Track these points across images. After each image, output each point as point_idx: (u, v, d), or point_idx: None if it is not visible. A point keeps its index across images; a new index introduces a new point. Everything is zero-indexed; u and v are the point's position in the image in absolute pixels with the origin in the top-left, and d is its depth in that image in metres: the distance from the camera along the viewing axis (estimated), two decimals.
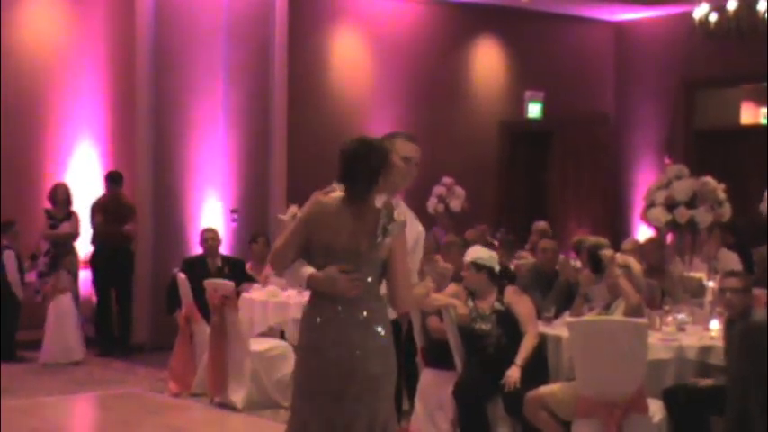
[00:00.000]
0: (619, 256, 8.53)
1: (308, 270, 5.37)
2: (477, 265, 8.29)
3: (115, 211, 13.30)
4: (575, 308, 8.54)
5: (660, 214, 11.54)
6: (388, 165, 5.41)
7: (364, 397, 5.28)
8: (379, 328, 5.34)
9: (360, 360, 5.27)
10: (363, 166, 5.32)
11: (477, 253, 8.41)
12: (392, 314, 5.83)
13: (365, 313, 5.32)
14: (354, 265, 5.29)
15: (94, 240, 13.34)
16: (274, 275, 10.11)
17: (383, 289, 5.42)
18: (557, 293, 9.55)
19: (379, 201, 5.37)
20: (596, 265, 8.39)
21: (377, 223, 5.27)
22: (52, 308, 12.60)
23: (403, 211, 5.72)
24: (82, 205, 13.31)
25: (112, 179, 13.43)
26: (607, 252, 8.41)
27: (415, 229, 5.96)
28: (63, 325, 12.51)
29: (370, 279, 5.32)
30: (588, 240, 10.49)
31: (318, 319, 5.37)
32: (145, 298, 13.63)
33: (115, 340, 13.40)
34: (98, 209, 13.31)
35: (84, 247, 13.46)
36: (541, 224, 13.99)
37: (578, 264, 10.31)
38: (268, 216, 14.20)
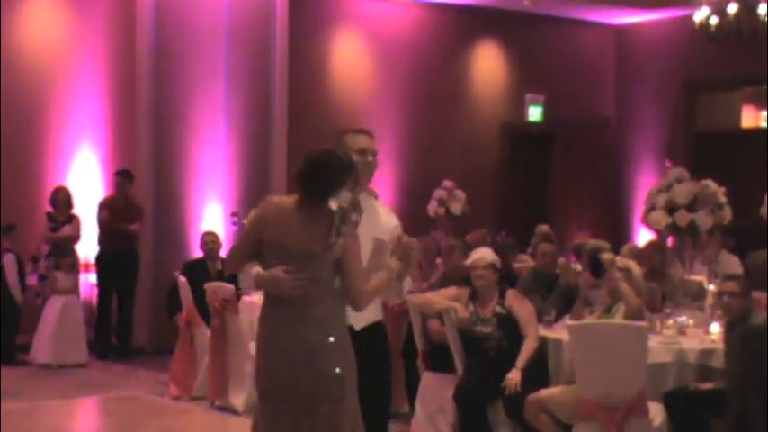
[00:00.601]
0: (619, 260, 8.53)
1: (256, 270, 5.40)
2: (496, 267, 8.32)
3: (123, 210, 13.30)
4: (575, 311, 8.54)
5: (661, 217, 11.54)
6: (350, 180, 5.40)
7: (325, 396, 5.27)
8: (335, 328, 5.32)
9: (317, 360, 5.26)
10: (326, 177, 5.32)
11: (491, 254, 8.40)
12: (378, 316, 5.86)
13: (320, 313, 5.30)
14: (308, 265, 5.28)
15: (100, 240, 13.33)
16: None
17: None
18: (557, 297, 9.55)
19: (345, 198, 5.37)
20: (596, 268, 8.39)
21: (331, 224, 5.26)
22: (46, 308, 12.62)
23: (374, 207, 5.80)
24: (82, 208, 13.31)
25: (124, 177, 13.41)
26: (607, 255, 8.41)
27: (390, 224, 5.89)
28: (62, 326, 12.52)
29: (323, 278, 5.30)
30: (588, 244, 10.51)
31: (275, 320, 5.39)
32: (145, 301, 13.63)
33: (115, 344, 13.39)
34: (105, 206, 13.31)
35: (86, 249, 13.45)
36: (544, 227, 13.98)
37: (579, 267, 10.32)
38: None
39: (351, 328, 5.62)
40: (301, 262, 5.29)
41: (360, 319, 5.70)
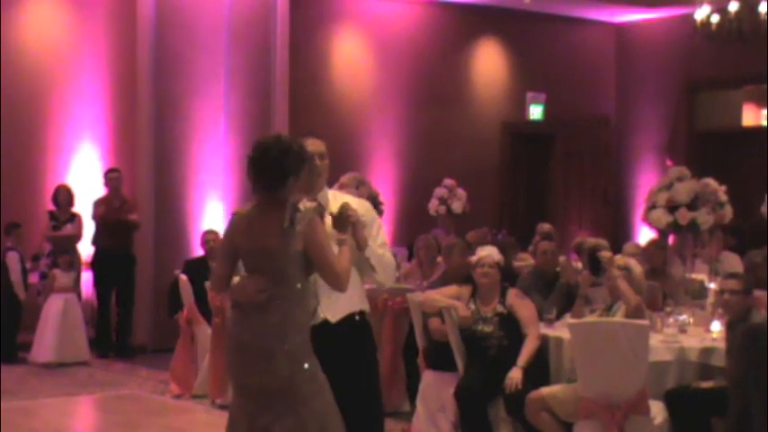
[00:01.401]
0: (619, 258, 8.53)
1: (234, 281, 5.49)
2: (500, 266, 8.32)
3: (119, 207, 13.30)
4: (575, 309, 8.53)
5: (661, 216, 11.52)
6: (301, 165, 5.38)
7: (281, 399, 5.29)
8: (292, 332, 5.30)
9: (272, 365, 5.26)
10: (274, 163, 5.31)
11: (497, 253, 8.40)
12: (358, 307, 5.80)
13: (276, 318, 5.29)
14: (271, 264, 5.29)
15: (97, 239, 13.33)
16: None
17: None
18: (557, 295, 9.54)
19: (295, 191, 5.39)
20: (595, 266, 8.39)
21: (285, 216, 5.27)
22: (46, 307, 12.63)
23: (335, 199, 5.76)
24: (83, 206, 13.32)
25: (116, 174, 13.42)
26: (606, 253, 8.40)
27: (364, 208, 5.85)
28: (63, 325, 12.52)
29: (287, 276, 5.29)
30: (588, 242, 10.50)
31: (235, 322, 5.43)
32: (146, 300, 13.63)
33: (115, 342, 13.40)
34: (101, 203, 13.32)
35: (87, 247, 13.46)
36: (546, 226, 13.96)
37: (579, 266, 10.31)
38: None
39: (326, 322, 5.64)
40: (265, 262, 5.31)
41: (336, 310, 5.69)
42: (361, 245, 5.63)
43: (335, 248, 5.45)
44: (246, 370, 5.35)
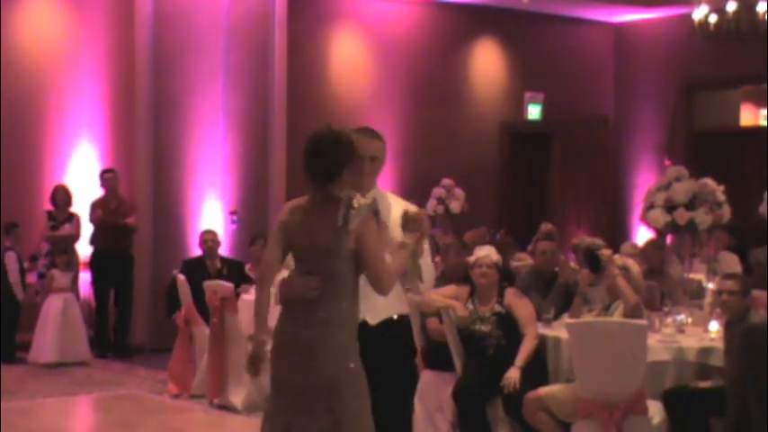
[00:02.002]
0: (617, 258, 8.53)
1: (282, 275, 5.44)
2: (498, 266, 8.32)
3: (116, 208, 13.30)
4: (574, 309, 8.54)
5: (659, 216, 11.51)
6: (353, 158, 5.35)
7: (320, 396, 5.24)
8: (340, 329, 5.26)
9: (317, 361, 5.22)
10: (327, 154, 5.28)
11: (495, 253, 8.41)
12: (403, 309, 5.78)
13: (325, 313, 5.25)
14: (323, 261, 5.25)
15: (94, 239, 13.33)
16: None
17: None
18: (556, 295, 9.54)
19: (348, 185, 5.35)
20: (594, 264, 8.39)
21: (339, 214, 5.21)
22: (44, 307, 12.63)
23: (384, 198, 5.72)
24: (81, 207, 13.32)
25: (112, 174, 13.40)
26: (605, 251, 8.41)
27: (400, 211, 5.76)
28: (62, 325, 12.52)
29: (339, 275, 5.25)
30: (585, 241, 10.51)
31: (283, 320, 5.38)
32: (144, 299, 13.63)
33: (113, 342, 13.40)
34: (98, 205, 13.31)
35: (86, 247, 13.46)
36: (548, 226, 13.94)
37: (577, 266, 10.31)
38: (267, 218, 14.21)
39: (365, 324, 5.59)
40: (317, 258, 5.26)
41: (375, 312, 5.65)
42: (419, 253, 5.57)
43: (393, 251, 5.42)
44: (291, 367, 5.29)
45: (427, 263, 5.73)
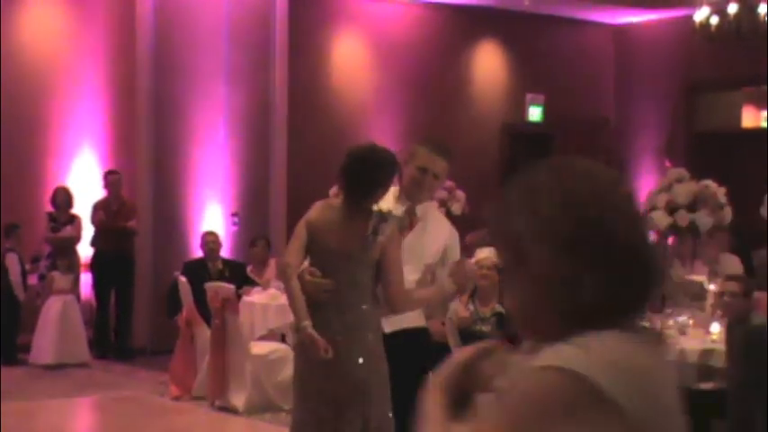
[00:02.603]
0: None
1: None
2: (499, 267, 8.31)
3: (118, 210, 13.30)
4: None
5: (661, 218, 11.51)
6: (391, 178, 5.42)
7: (352, 401, 5.26)
8: (366, 332, 5.31)
9: (342, 365, 5.26)
10: (367, 175, 5.32)
11: (495, 255, 8.39)
12: (413, 324, 5.78)
13: (351, 318, 5.29)
14: (346, 266, 5.30)
15: (95, 241, 13.33)
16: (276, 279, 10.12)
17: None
18: None
19: (387, 199, 5.38)
20: None
21: (369, 224, 5.27)
22: (44, 309, 12.63)
23: (433, 216, 5.84)
24: (83, 208, 13.32)
25: (115, 176, 13.41)
26: None
27: (441, 235, 5.85)
28: (62, 326, 12.52)
29: (361, 281, 5.30)
30: None
31: (314, 321, 5.37)
32: (145, 301, 13.63)
33: (115, 344, 13.39)
34: (100, 207, 13.31)
35: (87, 249, 13.46)
36: None
37: None
38: (269, 219, 14.21)
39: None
40: (339, 263, 5.31)
41: (391, 321, 5.65)
42: (451, 298, 5.71)
43: (429, 286, 5.54)
44: (324, 373, 5.32)
45: (456, 301, 5.79)
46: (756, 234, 12.79)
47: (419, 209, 5.81)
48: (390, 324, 5.65)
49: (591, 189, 2.13)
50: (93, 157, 13.89)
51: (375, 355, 5.34)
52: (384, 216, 5.29)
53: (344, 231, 5.32)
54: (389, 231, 5.28)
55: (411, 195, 5.78)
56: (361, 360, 5.28)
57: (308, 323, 5.32)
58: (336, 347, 5.26)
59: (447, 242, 5.86)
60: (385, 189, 5.40)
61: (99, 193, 13.52)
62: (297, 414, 5.50)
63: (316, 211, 5.47)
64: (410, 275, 5.58)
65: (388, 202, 5.73)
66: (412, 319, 5.76)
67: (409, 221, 5.74)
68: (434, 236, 5.80)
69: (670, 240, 12.12)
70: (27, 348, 12.67)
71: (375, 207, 5.35)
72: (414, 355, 5.78)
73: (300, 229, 5.47)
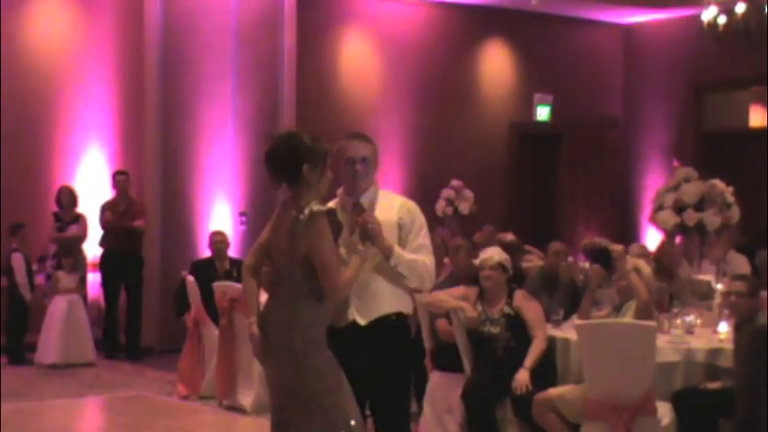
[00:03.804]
0: (629, 259, 8.53)
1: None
2: (504, 267, 8.30)
3: (126, 210, 13.31)
4: (583, 305, 8.53)
5: (669, 217, 11.53)
6: (315, 155, 5.39)
7: (290, 397, 5.35)
8: (302, 329, 5.31)
9: (280, 361, 5.34)
10: (284, 152, 5.36)
11: (500, 254, 8.39)
12: (400, 308, 5.76)
13: (285, 315, 5.34)
14: (281, 262, 5.37)
15: (104, 241, 13.35)
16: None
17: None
18: (562, 295, 9.54)
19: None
20: (606, 261, 8.40)
21: (297, 220, 5.32)
22: (50, 309, 12.64)
23: (380, 199, 5.78)
24: (91, 208, 13.33)
25: (124, 176, 13.41)
26: (617, 246, 8.42)
27: (390, 213, 5.77)
28: (68, 326, 12.53)
29: (295, 276, 5.33)
30: (596, 241, 10.52)
31: (261, 320, 5.48)
32: (153, 301, 13.64)
33: (123, 343, 13.41)
34: (108, 207, 13.32)
35: (93, 248, 13.47)
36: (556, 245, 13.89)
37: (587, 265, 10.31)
38: None
39: (355, 324, 5.64)
40: (277, 258, 5.40)
41: (366, 312, 5.66)
42: (385, 254, 5.60)
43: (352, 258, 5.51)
44: (268, 363, 5.45)
45: (405, 259, 5.70)
46: (763, 233, 12.81)
47: (364, 200, 5.77)
48: (366, 315, 5.66)
49: None
50: (102, 156, 13.91)
51: (307, 350, 5.32)
52: (303, 210, 5.29)
53: (279, 226, 5.41)
54: (313, 224, 5.26)
55: (351, 190, 5.76)
56: (289, 356, 5.31)
57: (253, 319, 5.45)
58: (273, 343, 5.36)
59: (399, 218, 5.78)
60: (311, 173, 5.36)
61: (107, 192, 13.53)
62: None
63: (274, 213, 5.57)
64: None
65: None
66: (392, 305, 5.72)
67: (359, 215, 5.67)
68: (386, 218, 5.72)
69: (677, 239, 12.13)
70: (35, 348, 12.68)
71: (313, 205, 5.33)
72: (397, 343, 5.79)
73: (264, 230, 5.56)
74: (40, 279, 13.13)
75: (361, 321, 5.66)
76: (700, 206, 11.46)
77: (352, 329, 5.63)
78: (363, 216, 5.57)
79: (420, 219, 5.88)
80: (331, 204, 5.72)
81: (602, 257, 8.54)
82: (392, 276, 5.69)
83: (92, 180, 13.73)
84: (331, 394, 5.33)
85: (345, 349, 5.49)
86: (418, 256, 5.75)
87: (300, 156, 5.34)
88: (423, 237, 5.83)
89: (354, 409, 5.38)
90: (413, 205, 5.90)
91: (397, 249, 5.65)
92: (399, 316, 5.78)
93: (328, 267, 5.28)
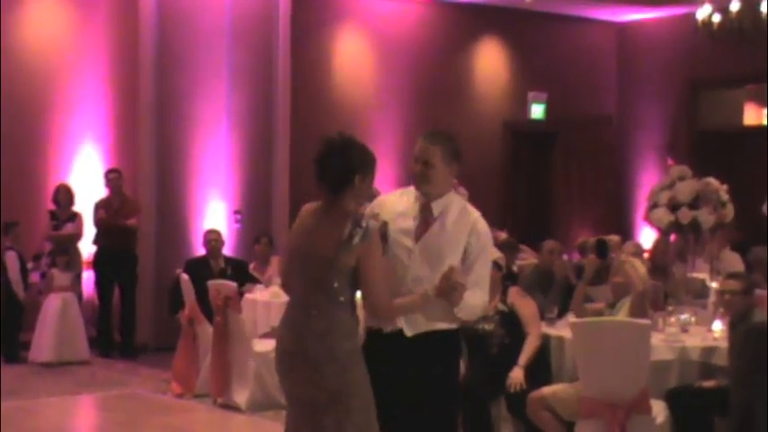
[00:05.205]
0: (624, 257, 8.54)
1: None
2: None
3: (119, 208, 13.30)
4: (576, 297, 8.47)
5: (663, 215, 11.52)
6: (366, 165, 5.25)
7: (325, 409, 5.18)
8: (339, 341, 5.17)
9: (317, 373, 5.17)
10: (338, 161, 5.18)
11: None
12: (449, 324, 5.55)
13: (322, 325, 5.17)
14: (318, 270, 5.18)
15: (97, 239, 13.33)
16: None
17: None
18: (556, 293, 9.54)
19: (362, 197, 5.29)
20: (602, 251, 8.41)
21: (345, 228, 5.15)
22: (44, 307, 12.63)
23: (454, 213, 5.61)
24: (85, 206, 13.32)
25: (117, 175, 13.39)
26: (613, 237, 8.44)
27: (461, 233, 5.58)
28: (62, 324, 12.52)
29: (332, 287, 5.17)
30: (591, 241, 10.53)
31: (282, 326, 5.36)
32: (148, 299, 13.63)
33: (118, 341, 13.39)
34: (101, 205, 13.31)
35: (89, 246, 13.46)
36: (550, 243, 13.91)
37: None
38: (271, 217, 14.22)
39: (401, 334, 5.46)
40: (312, 267, 5.20)
41: (414, 324, 5.47)
42: (453, 305, 5.36)
43: (415, 293, 5.34)
44: (296, 378, 5.26)
45: (483, 302, 5.55)
46: (758, 231, 12.81)
47: (436, 206, 5.59)
48: (413, 327, 5.47)
49: None
50: (96, 154, 13.89)
51: (353, 364, 5.19)
52: (359, 221, 5.16)
53: (319, 234, 5.21)
54: (368, 238, 5.13)
55: (419, 191, 5.58)
56: (333, 368, 5.16)
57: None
58: (309, 353, 5.17)
59: (468, 241, 5.58)
60: (362, 180, 5.21)
61: (101, 190, 13.52)
62: (286, 420, 5.46)
63: (298, 217, 5.38)
64: (428, 283, 5.37)
65: (403, 202, 5.60)
66: (440, 319, 5.49)
67: (424, 220, 5.55)
68: (453, 235, 5.57)
69: (672, 238, 12.13)
70: (29, 346, 12.66)
71: (358, 209, 5.22)
72: (440, 358, 5.59)
73: (288, 242, 5.46)
74: (34, 277, 13.12)
75: (408, 332, 5.48)
76: (694, 204, 11.45)
77: (398, 338, 5.47)
78: (454, 279, 5.26)
79: (488, 246, 5.72)
80: (410, 189, 5.60)
81: (597, 248, 8.55)
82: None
83: (86, 178, 13.71)
84: (367, 410, 5.23)
85: (385, 357, 5.39)
86: (476, 296, 5.50)
87: (354, 167, 5.19)
88: (484, 267, 5.63)
89: (377, 427, 5.27)
90: (484, 229, 5.68)
91: (464, 299, 5.37)
92: (447, 333, 5.59)
93: (374, 286, 5.17)
